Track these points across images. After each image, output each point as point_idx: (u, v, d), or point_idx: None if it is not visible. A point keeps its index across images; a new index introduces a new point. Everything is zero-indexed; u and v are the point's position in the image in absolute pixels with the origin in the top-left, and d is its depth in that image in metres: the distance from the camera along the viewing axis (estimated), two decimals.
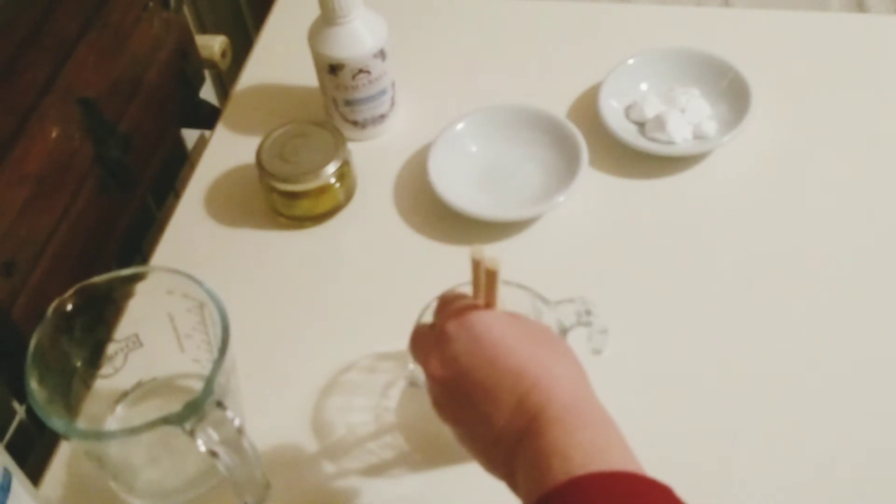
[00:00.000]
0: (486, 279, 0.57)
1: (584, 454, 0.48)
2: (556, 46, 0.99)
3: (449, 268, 0.80)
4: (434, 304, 0.69)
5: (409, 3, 1.04)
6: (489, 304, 0.57)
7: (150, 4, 0.92)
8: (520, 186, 0.86)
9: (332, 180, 0.84)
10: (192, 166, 0.94)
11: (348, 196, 0.88)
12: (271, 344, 0.79)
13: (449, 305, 0.58)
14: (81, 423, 0.70)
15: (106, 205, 0.86)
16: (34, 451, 0.78)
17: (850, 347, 0.74)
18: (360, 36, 0.86)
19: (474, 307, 0.57)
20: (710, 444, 0.70)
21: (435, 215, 0.85)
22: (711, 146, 0.87)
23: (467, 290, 0.59)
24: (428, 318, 0.69)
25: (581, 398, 0.52)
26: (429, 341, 0.58)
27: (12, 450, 0.67)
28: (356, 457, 0.72)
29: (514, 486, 0.52)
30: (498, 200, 0.85)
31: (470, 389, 0.54)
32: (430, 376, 0.57)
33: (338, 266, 0.84)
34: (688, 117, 0.88)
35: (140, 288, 0.70)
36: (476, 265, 0.57)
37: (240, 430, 0.60)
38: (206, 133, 0.99)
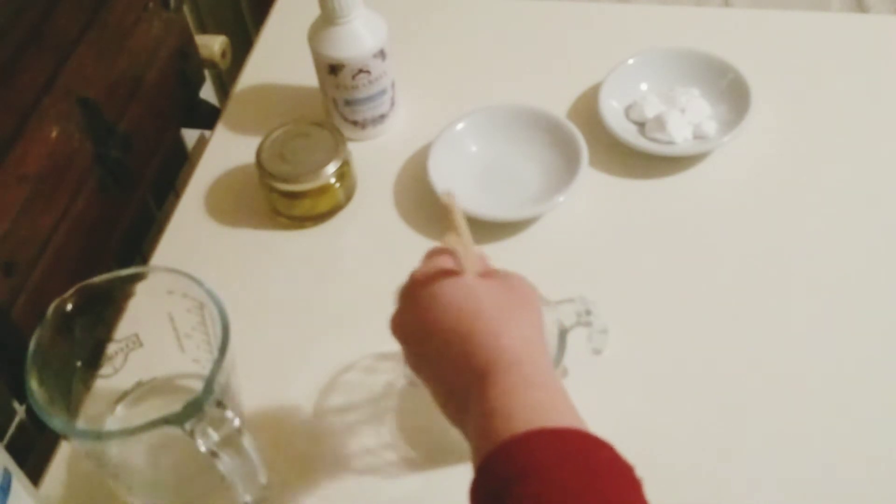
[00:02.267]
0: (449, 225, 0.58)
1: (527, 413, 0.49)
2: (556, 46, 0.99)
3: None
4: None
5: (409, 3, 1.04)
6: (465, 256, 0.58)
7: (150, 4, 0.92)
8: (520, 186, 0.86)
9: (332, 180, 0.84)
10: (192, 166, 0.94)
11: (348, 196, 0.88)
12: (271, 344, 0.79)
13: (427, 261, 0.60)
14: (81, 423, 0.70)
15: (106, 205, 0.86)
16: (34, 451, 0.78)
17: (850, 347, 0.74)
18: (360, 36, 0.86)
19: (445, 272, 0.58)
20: (710, 444, 0.70)
21: (435, 215, 0.85)
22: (711, 146, 0.87)
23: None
24: None
25: (528, 360, 0.53)
26: (400, 298, 0.60)
27: (12, 450, 0.67)
28: (356, 457, 0.72)
29: (468, 439, 0.54)
30: (498, 200, 0.85)
31: (424, 347, 0.57)
32: (391, 328, 0.59)
33: (338, 266, 0.84)
34: (688, 117, 0.88)
35: (140, 288, 0.70)
36: (448, 210, 0.58)
37: (240, 430, 0.60)
38: (206, 133, 0.99)
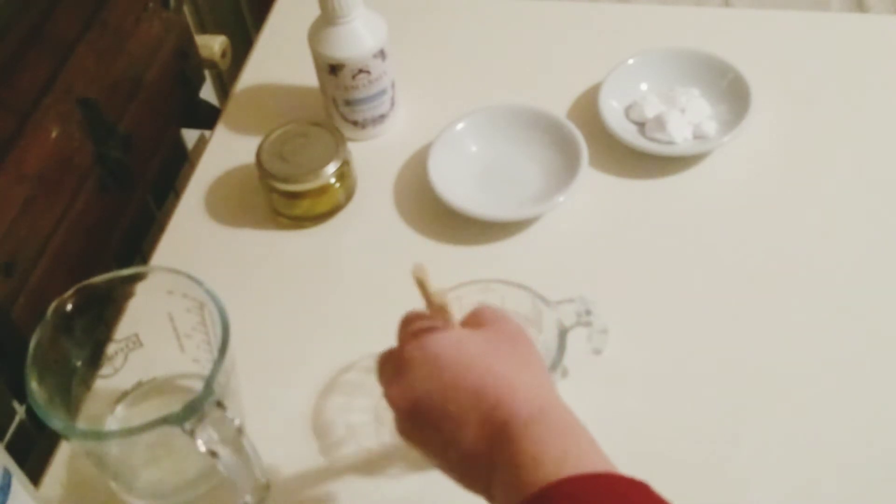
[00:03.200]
0: (426, 297, 0.56)
1: (556, 461, 0.48)
2: (556, 46, 0.99)
3: (449, 268, 0.81)
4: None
5: (409, 3, 1.04)
6: (445, 321, 0.56)
7: (150, 4, 0.92)
8: (520, 186, 0.86)
9: (332, 180, 0.84)
10: (192, 166, 0.94)
11: (348, 196, 0.88)
12: (271, 344, 0.79)
13: (406, 328, 0.57)
14: (81, 423, 0.70)
15: (106, 205, 0.86)
16: (34, 451, 0.78)
17: (850, 347, 0.74)
18: (360, 36, 0.86)
19: (429, 329, 0.56)
20: (710, 444, 0.70)
21: (435, 215, 0.85)
22: (711, 146, 0.87)
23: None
24: None
25: (547, 406, 0.52)
26: (390, 369, 0.57)
27: (12, 450, 0.67)
28: (356, 457, 0.72)
29: (493, 501, 0.52)
30: (498, 200, 0.85)
31: (432, 415, 0.53)
32: (391, 405, 0.56)
33: (338, 266, 0.84)
34: (688, 117, 0.88)
35: (140, 288, 0.70)
36: (420, 284, 0.56)
37: (240, 430, 0.60)
38: (206, 133, 0.99)
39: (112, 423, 0.73)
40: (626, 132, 0.88)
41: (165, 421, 0.60)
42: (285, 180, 0.83)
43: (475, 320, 0.58)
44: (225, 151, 0.94)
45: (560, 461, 0.48)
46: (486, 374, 0.53)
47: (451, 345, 0.54)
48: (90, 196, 0.84)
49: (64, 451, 0.74)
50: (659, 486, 0.48)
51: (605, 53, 0.95)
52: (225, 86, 1.20)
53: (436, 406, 0.53)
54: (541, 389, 0.53)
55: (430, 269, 0.56)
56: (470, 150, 0.89)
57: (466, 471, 0.53)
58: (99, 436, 0.69)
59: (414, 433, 0.55)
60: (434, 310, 0.56)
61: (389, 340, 0.74)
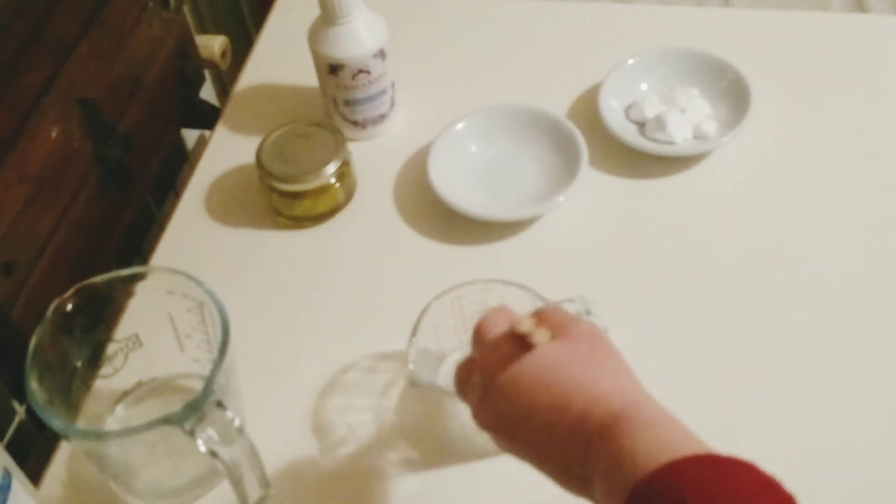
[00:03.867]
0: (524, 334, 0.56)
1: (652, 451, 0.48)
2: (556, 46, 0.99)
3: (449, 268, 0.81)
4: (434, 305, 0.69)
5: (409, 3, 1.04)
6: (527, 343, 0.56)
7: (150, 4, 0.92)
8: (520, 186, 0.86)
9: (332, 180, 0.84)
10: (192, 166, 0.94)
11: (348, 196, 0.88)
12: (271, 344, 0.79)
13: (487, 347, 0.57)
14: (81, 423, 0.70)
15: (106, 205, 0.86)
16: (34, 451, 0.78)
17: (850, 347, 0.74)
18: (360, 36, 0.86)
19: (515, 350, 0.55)
20: (710, 444, 0.70)
21: (435, 215, 0.85)
22: (711, 146, 0.87)
23: (480, 311, 0.59)
24: (427, 319, 0.69)
25: (633, 403, 0.52)
26: (473, 389, 0.57)
27: (12, 450, 0.67)
28: (356, 457, 0.72)
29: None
30: (498, 200, 0.85)
31: (523, 436, 0.55)
32: (482, 427, 0.57)
33: (338, 266, 0.84)
34: (688, 117, 0.88)
35: (140, 288, 0.70)
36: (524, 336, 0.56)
37: (240, 430, 0.60)
38: (206, 133, 0.99)
39: (112, 423, 0.73)
40: (626, 132, 0.88)
41: (165, 421, 0.60)
42: (285, 180, 0.83)
43: (546, 324, 0.57)
44: (225, 151, 0.94)
45: (657, 450, 0.48)
46: (567, 387, 0.53)
47: (532, 363, 0.54)
48: (90, 196, 0.84)
49: (64, 451, 0.74)
50: (791, 491, 0.47)
51: (605, 53, 0.95)
52: (225, 86, 1.20)
53: (523, 426, 0.54)
54: (623, 389, 0.53)
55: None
56: (470, 150, 0.89)
57: (566, 481, 0.54)
58: (99, 436, 0.69)
59: (509, 448, 0.57)
60: (525, 324, 0.56)
61: (390, 340, 0.75)
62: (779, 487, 0.47)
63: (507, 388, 0.55)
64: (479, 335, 0.59)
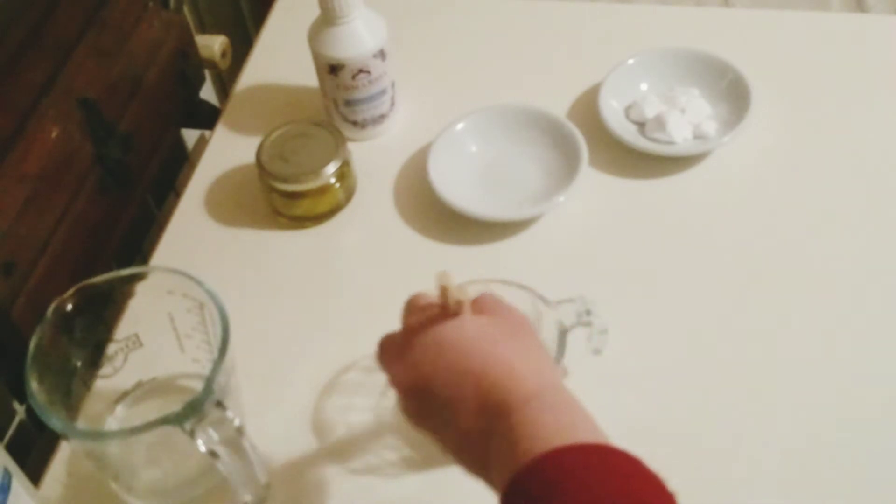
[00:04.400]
0: (445, 297, 0.57)
1: (550, 435, 0.49)
2: (556, 46, 0.99)
3: (449, 268, 0.81)
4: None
5: (409, 3, 1.04)
6: (455, 310, 0.57)
7: (150, 4, 0.92)
8: (520, 186, 0.86)
9: (332, 180, 0.84)
10: (192, 166, 0.94)
11: (348, 196, 0.88)
12: (271, 344, 0.79)
13: (414, 314, 0.59)
14: (81, 423, 0.70)
15: (106, 205, 0.86)
16: (34, 451, 0.78)
17: (850, 346, 0.74)
18: (360, 36, 0.86)
19: (439, 317, 0.57)
20: (710, 444, 0.70)
21: (435, 215, 0.85)
22: (711, 146, 0.87)
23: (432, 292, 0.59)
24: None
25: (545, 385, 0.53)
26: (394, 350, 0.58)
27: (12, 450, 0.67)
28: (356, 457, 0.72)
29: (491, 483, 0.53)
30: (498, 200, 0.85)
31: (432, 396, 0.55)
32: (394, 384, 0.58)
33: (338, 266, 0.84)
34: (688, 117, 0.88)
35: (140, 288, 0.70)
36: (444, 291, 0.57)
37: (240, 430, 0.60)
38: (206, 133, 0.99)
39: (112, 423, 0.73)
40: (626, 132, 0.88)
41: (165, 421, 0.60)
42: (285, 180, 0.83)
43: (478, 307, 0.58)
44: (225, 151, 0.94)
45: (554, 434, 0.49)
46: (486, 356, 0.54)
47: (453, 328, 0.56)
48: (90, 196, 0.84)
49: (64, 451, 0.74)
50: (673, 489, 0.47)
51: (605, 53, 0.95)
52: (225, 86, 1.20)
53: (435, 386, 0.54)
54: (541, 373, 0.54)
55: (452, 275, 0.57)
56: (470, 150, 0.89)
57: (464, 449, 0.54)
58: (99, 436, 0.69)
59: (414, 411, 0.57)
60: (450, 303, 0.57)
61: None
62: (661, 485, 0.47)
63: (424, 346, 0.55)
64: (409, 303, 0.60)
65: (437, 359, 0.55)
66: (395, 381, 0.58)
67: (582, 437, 0.49)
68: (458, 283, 0.57)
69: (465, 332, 0.55)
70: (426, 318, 0.57)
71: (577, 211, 0.85)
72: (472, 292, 0.58)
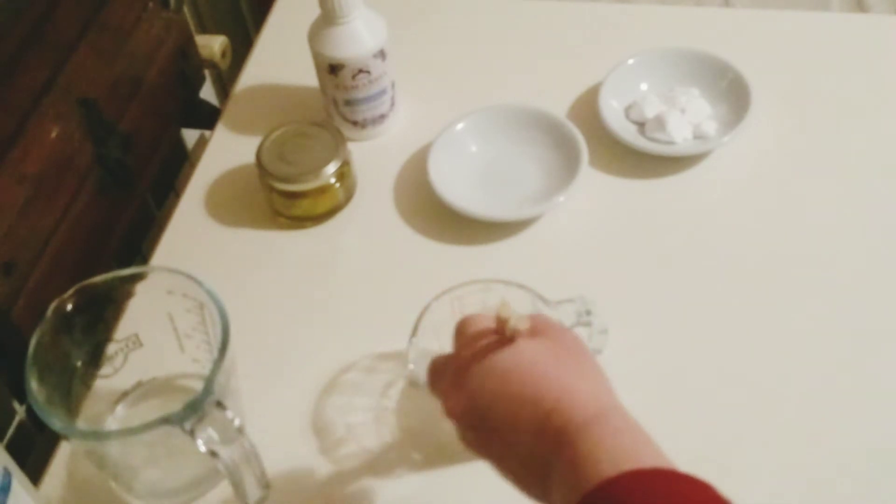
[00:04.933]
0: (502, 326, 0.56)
1: (614, 459, 0.48)
2: (556, 46, 0.99)
3: (449, 268, 0.81)
4: (434, 305, 0.69)
5: (409, 3, 1.04)
6: (512, 338, 0.56)
7: (150, 4, 0.92)
8: (520, 186, 0.86)
9: (332, 180, 0.84)
10: (192, 166, 0.94)
11: (348, 196, 0.88)
12: (271, 344, 0.79)
13: (466, 340, 0.58)
14: (81, 423, 0.70)
15: (106, 205, 0.86)
16: (34, 451, 0.78)
17: (851, 346, 0.74)
18: (360, 36, 0.86)
19: (495, 345, 0.56)
20: (711, 444, 0.70)
21: (435, 215, 0.85)
22: (711, 146, 0.87)
23: (480, 310, 0.59)
24: (427, 319, 0.69)
25: (604, 408, 0.52)
26: (446, 377, 0.58)
27: (12, 450, 0.67)
28: (356, 457, 0.72)
29: None
30: (498, 200, 0.85)
31: (490, 424, 0.54)
32: (448, 414, 0.57)
33: (338, 266, 0.84)
34: (688, 117, 0.88)
35: (140, 288, 0.70)
36: (501, 321, 0.56)
37: (240, 430, 0.60)
38: (206, 133, 0.99)
39: (112, 423, 0.73)
40: (626, 132, 0.88)
41: (165, 421, 0.60)
42: (285, 180, 0.83)
43: (532, 330, 0.57)
44: (225, 151, 0.94)
45: (618, 458, 0.48)
46: (542, 380, 0.53)
47: (510, 356, 0.55)
48: (90, 196, 0.84)
49: (64, 451, 0.74)
50: None
51: (605, 53, 0.95)
52: (225, 86, 1.20)
53: (494, 415, 0.54)
54: (599, 395, 0.53)
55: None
56: (470, 150, 0.89)
57: (525, 475, 0.54)
58: (99, 436, 0.69)
59: (473, 441, 0.57)
60: (507, 332, 0.56)
61: (390, 340, 0.75)
62: None
63: (480, 375, 0.55)
64: (461, 328, 0.59)
65: (495, 388, 0.54)
66: (451, 411, 0.57)
67: (646, 460, 0.48)
68: (518, 314, 0.56)
69: (521, 358, 0.54)
70: (482, 347, 0.56)
71: (577, 211, 0.85)
72: (528, 319, 0.57)
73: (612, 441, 0.49)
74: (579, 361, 0.55)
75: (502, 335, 0.56)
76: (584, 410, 0.51)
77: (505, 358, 0.55)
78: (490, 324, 0.57)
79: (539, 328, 0.57)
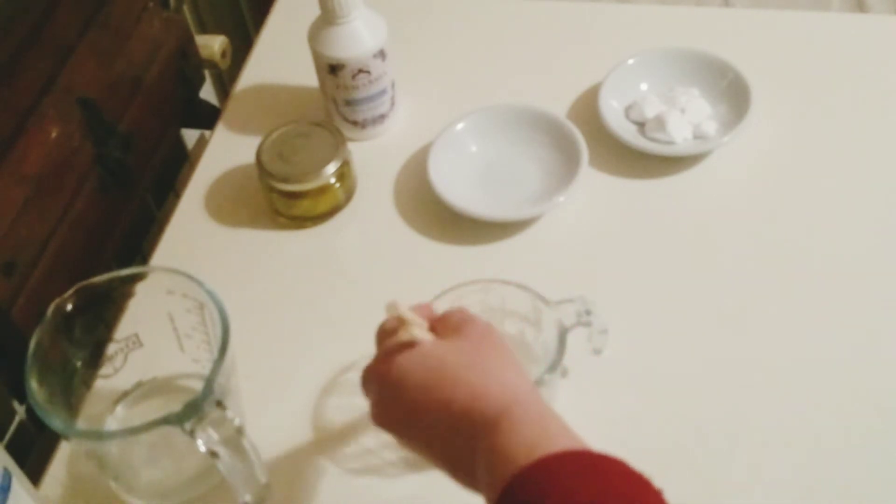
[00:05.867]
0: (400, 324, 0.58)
1: (528, 449, 0.49)
2: (556, 46, 0.99)
3: (449, 268, 0.81)
4: (434, 305, 0.69)
5: (409, 3, 1.04)
6: (414, 336, 0.58)
7: (150, 4, 0.92)
8: (520, 186, 0.86)
9: (332, 180, 0.84)
10: (192, 166, 0.94)
11: (348, 196, 0.88)
12: (271, 344, 0.79)
13: (381, 342, 0.60)
14: (81, 423, 0.70)
15: (106, 205, 0.86)
16: (34, 451, 0.78)
17: (851, 346, 0.74)
18: (360, 36, 0.86)
19: (399, 348, 0.58)
20: (710, 444, 0.70)
21: (435, 215, 0.85)
22: (711, 146, 0.87)
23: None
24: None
25: (515, 402, 0.53)
26: (370, 385, 0.60)
27: (12, 450, 0.67)
28: (356, 457, 0.72)
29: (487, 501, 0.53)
30: (498, 200, 0.85)
31: (409, 431, 0.57)
32: (377, 424, 0.59)
33: (338, 266, 0.84)
34: (688, 117, 0.88)
35: (140, 288, 0.70)
36: (396, 325, 0.58)
37: (240, 430, 0.60)
38: (206, 133, 0.99)
39: (112, 423, 0.73)
40: (626, 132, 0.88)
41: (165, 421, 0.60)
42: (285, 180, 0.83)
43: (443, 326, 0.59)
44: (225, 151, 0.94)
45: (531, 447, 0.49)
46: (451, 384, 0.55)
47: (417, 364, 0.57)
48: (90, 196, 0.84)
49: (64, 451, 0.74)
50: (659, 486, 0.48)
51: (605, 53, 0.95)
52: (225, 86, 1.20)
53: (410, 423, 0.56)
54: (506, 386, 0.54)
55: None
56: (470, 150, 0.89)
57: (456, 473, 0.55)
58: (99, 436, 0.69)
59: (404, 444, 0.59)
60: (405, 328, 0.58)
61: None
62: (647, 483, 0.47)
63: (395, 387, 0.57)
64: (379, 334, 0.61)
65: (406, 393, 0.56)
66: (374, 421, 0.59)
67: (561, 444, 0.49)
68: (408, 311, 0.58)
69: (426, 364, 0.56)
70: (385, 352, 0.58)
71: (577, 211, 0.85)
72: (431, 312, 0.60)
73: (526, 430, 0.51)
74: (488, 356, 0.57)
75: (410, 335, 0.58)
76: (494, 407, 0.53)
77: (412, 367, 0.56)
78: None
79: (448, 324, 0.59)
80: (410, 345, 0.57)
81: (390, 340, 0.58)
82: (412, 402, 0.56)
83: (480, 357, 0.56)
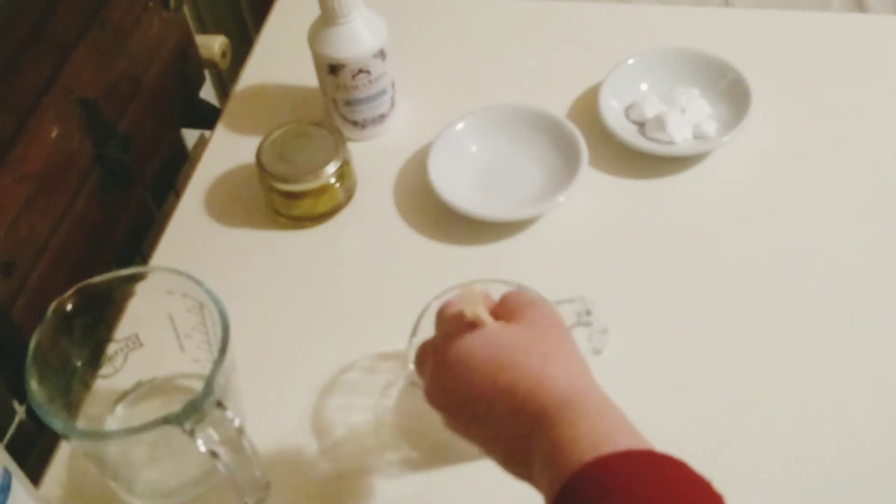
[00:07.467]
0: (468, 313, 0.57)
1: (592, 442, 0.48)
2: (556, 46, 0.99)
3: (449, 268, 0.81)
4: (434, 305, 0.69)
5: (409, 3, 1.04)
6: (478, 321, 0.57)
7: (150, 4, 0.92)
8: (520, 186, 0.86)
9: (332, 180, 0.84)
10: (192, 166, 0.94)
11: (348, 196, 0.88)
12: (271, 344, 0.79)
13: (443, 325, 0.58)
14: (81, 423, 0.70)
15: (106, 205, 0.86)
16: (34, 451, 0.78)
17: (851, 347, 0.74)
18: (360, 36, 0.86)
19: (466, 328, 0.56)
20: (710, 444, 0.70)
21: (435, 215, 0.85)
22: (711, 146, 0.87)
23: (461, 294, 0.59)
24: (427, 319, 0.69)
25: (578, 392, 0.52)
26: (428, 363, 0.58)
27: (12, 450, 0.67)
28: (356, 457, 0.72)
29: (541, 490, 0.52)
30: (498, 200, 0.85)
31: (469, 415, 0.55)
32: (429, 402, 0.58)
33: (338, 266, 0.84)
34: (688, 117, 0.88)
35: (140, 288, 0.70)
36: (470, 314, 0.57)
37: (240, 430, 0.61)
38: (206, 133, 0.99)
39: (112, 423, 0.73)
40: (626, 132, 0.88)
41: (165, 421, 0.60)
42: (285, 180, 0.83)
43: (507, 308, 0.58)
44: (225, 151, 0.94)
45: (595, 442, 0.48)
46: (514, 369, 0.53)
47: (481, 346, 0.55)
48: (90, 196, 0.84)
49: (64, 451, 0.74)
50: (720, 491, 0.47)
51: (605, 53, 0.95)
52: (225, 86, 1.20)
53: (470, 405, 0.55)
54: (570, 376, 0.53)
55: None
56: (470, 150, 0.89)
57: (509, 460, 0.54)
58: (99, 436, 0.69)
59: (457, 429, 0.57)
60: (471, 308, 0.57)
61: (390, 340, 0.75)
62: (708, 486, 0.47)
63: (456, 367, 0.55)
64: (439, 312, 0.59)
65: (467, 380, 0.54)
66: (430, 402, 0.57)
67: (622, 442, 0.48)
68: (480, 291, 0.56)
69: (491, 346, 0.55)
70: (449, 333, 0.57)
71: (577, 211, 0.85)
72: (497, 296, 0.58)
73: (588, 425, 0.50)
74: (553, 342, 0.56)
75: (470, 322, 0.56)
76: (557, 394, 0.52)
77: (476, 348, 0.55)
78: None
79: (514, 307, 0.57)
80: (473, 325, 0.56)
81: (455, 323, 0.57)
82: (471, 384, 0.54)
83: (545, 344, 0.55)
